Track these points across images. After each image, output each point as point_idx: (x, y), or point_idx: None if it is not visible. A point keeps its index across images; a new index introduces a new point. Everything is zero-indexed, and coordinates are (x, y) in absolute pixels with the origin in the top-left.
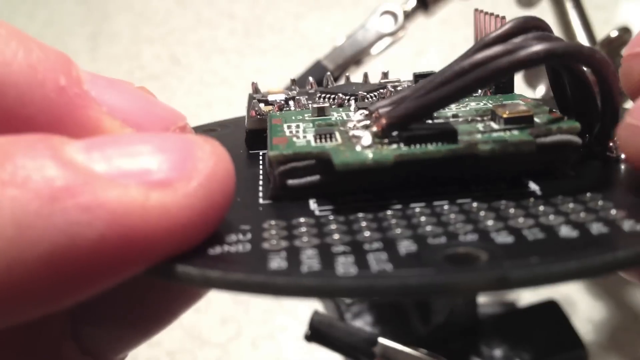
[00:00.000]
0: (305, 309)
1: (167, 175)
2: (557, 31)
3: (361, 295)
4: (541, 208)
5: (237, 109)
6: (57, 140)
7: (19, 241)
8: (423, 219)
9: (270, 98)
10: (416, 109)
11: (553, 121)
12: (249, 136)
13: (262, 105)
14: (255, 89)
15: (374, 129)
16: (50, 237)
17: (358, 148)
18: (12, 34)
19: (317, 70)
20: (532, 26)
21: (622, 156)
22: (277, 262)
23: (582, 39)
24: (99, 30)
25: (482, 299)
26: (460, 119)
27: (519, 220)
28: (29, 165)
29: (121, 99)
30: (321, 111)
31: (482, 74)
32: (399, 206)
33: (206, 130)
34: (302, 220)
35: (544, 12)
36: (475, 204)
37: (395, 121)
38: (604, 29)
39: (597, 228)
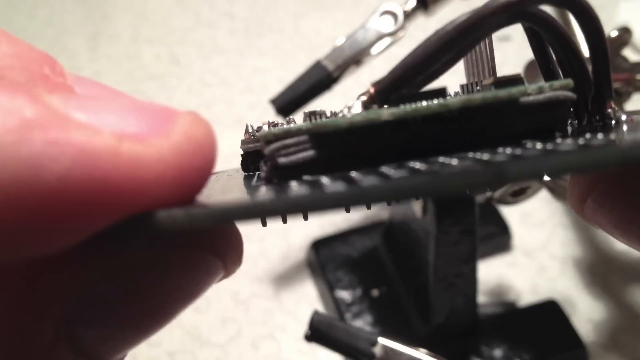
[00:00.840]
0: (305, 309)
1: (143, 130)
2: None
3: (352, 204)
4: (538, 146)
5: (237, 109)
6: (38, 89)
7: None
8: (422, 164)
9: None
10: (401, 70)
11: (548, 83)
12: (244, 159)
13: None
14: (247, 130)
15: (363, 98)
16: (13, 166)
17: (348, 115)
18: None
19: (317, 71)
20: None
21: (623, 117)
22: (264, 194)
23: (582, 39)
24: (99, 30)
25: (482, 298)
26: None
27: (516, 151)
28: (3, 100)
29: (103, 93)
30: (312, 114)
31: (463, 23)
32: (394, 164)
33: None
34: (293, 183)
35: None
36: (472, 153)
37: (383, 87)
38: (604, 29)
39: (599, 140)
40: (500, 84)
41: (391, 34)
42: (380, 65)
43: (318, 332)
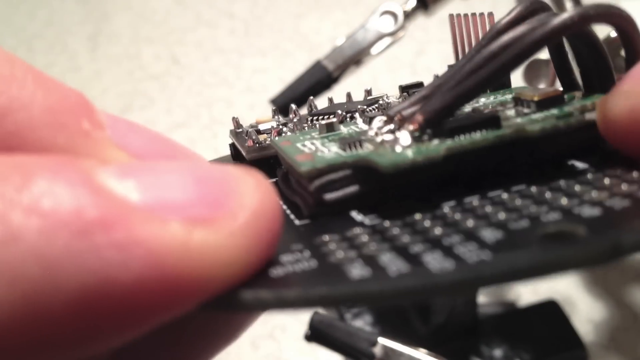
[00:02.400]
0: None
1: (211, 210)
2: None
3: (466, 289)
4: (606, 181)
5: (237, 108)
6: (87, 163)
7: (44, 282)
8: (489, 209)
9: (262, 127)
10: (453, 99)
11: (582, 99)
12: (250, 167)
13: (260, 136)
14: (237, 124)
15: (410, 127)
16: (79, 278)
17: (398, 149)
18: (28, 72)
19: (317, 71)
20: (538, 8)
21: None
22: (359, 270)
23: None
24: (99, 30)
25: (482, 298)
26: (485, 111)
27: (593, 194)
28: (56, 189)
29: (141, 142)
30: (330, 127)
31: (518, 49)
32: (452, 203)
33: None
34: (357, 231)
35: None
36: (534, 188)
37: (432, 115)
38: (604, 29)
39: None
40: (543, 103)
41: (391, 34)
42: (381, 65)
43: (318, 332)
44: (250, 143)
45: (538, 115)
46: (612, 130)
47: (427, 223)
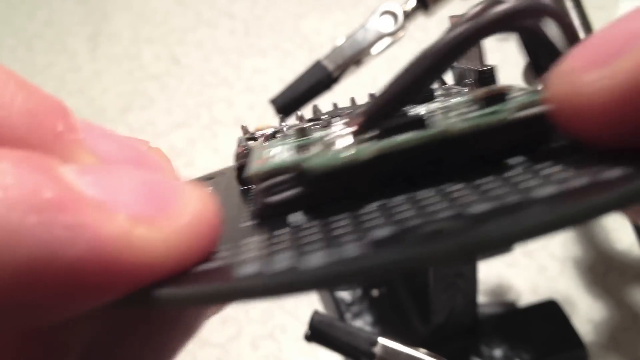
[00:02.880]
0: (305, 309)
1: (154, 212)
2: None
3: (323, 286)
4: (520, 177)
5: (237, 108)
6: (50, 159)
7: None
8: (401, 208)
9: (258, 134)
10: (390, 95)
11: (532, 95)
12: (239, 172)
13: (250, 142)
14: (245, 131)
15: (350, 129)
16: (31, 249)
17: (332, 151)
18: (10, 77)
19: (317, 71)
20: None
21: None
22: (248, 269)
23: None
24: (99, 30)
25: (482, 298)
26: (442, 112)
27: (495, 192)
28: (18, 170)
29: (112, 147)
30: (302, 132)
31: (443, 44)
32: (379, 203)
33: (205, 178)
34: (280, 231)
35: None
36: (455, 186)
37: (371, 115)
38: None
39: (580, 182)
40: (485, 102)
41: (391, 34)
42: (381, 65)
43: (318, 332)
44: (240, 150)
45: (472, 114)
46: (586, 116)
47: (341, 223)
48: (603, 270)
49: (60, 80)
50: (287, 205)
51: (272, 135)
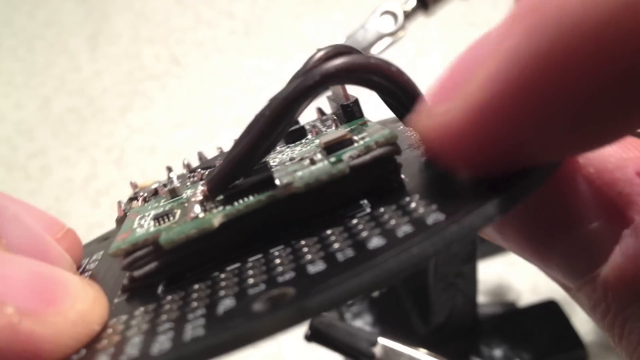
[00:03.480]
0: None
1: (44, 307)
2: None
3: None
4: (361, 226)
5: (237, 109)
6: None
7: None
8: (251, 271)
9: (142, 193)
10: (228, 165)
11: (380, 135)
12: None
13: (133, 202)
14: (134, 186)
15: (200, 197)
16: None
17: (186, 220)
18: None
19: None
20: (338, 54)
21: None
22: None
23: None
24: (99, 30)
25: (482, 298)
26: (295, 161)
27: (335, 245)
28: None
29: (19, 234)
30: (173, 192)
31: (272, 109)
32: (236, 265)
33: (101, 239)
34: (141, 309)
35: None
36: (304, 241)
37: (214, 184)
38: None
39: (404, 230)
40: (331, 148)
41: (391, 34)
42: None
43: (318, 332)
44: (120, 213)
45: (316, 167)
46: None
47: (194, 295)
48: None
49: (60, 80)
50: (151, 278)
51: (153, 194)
